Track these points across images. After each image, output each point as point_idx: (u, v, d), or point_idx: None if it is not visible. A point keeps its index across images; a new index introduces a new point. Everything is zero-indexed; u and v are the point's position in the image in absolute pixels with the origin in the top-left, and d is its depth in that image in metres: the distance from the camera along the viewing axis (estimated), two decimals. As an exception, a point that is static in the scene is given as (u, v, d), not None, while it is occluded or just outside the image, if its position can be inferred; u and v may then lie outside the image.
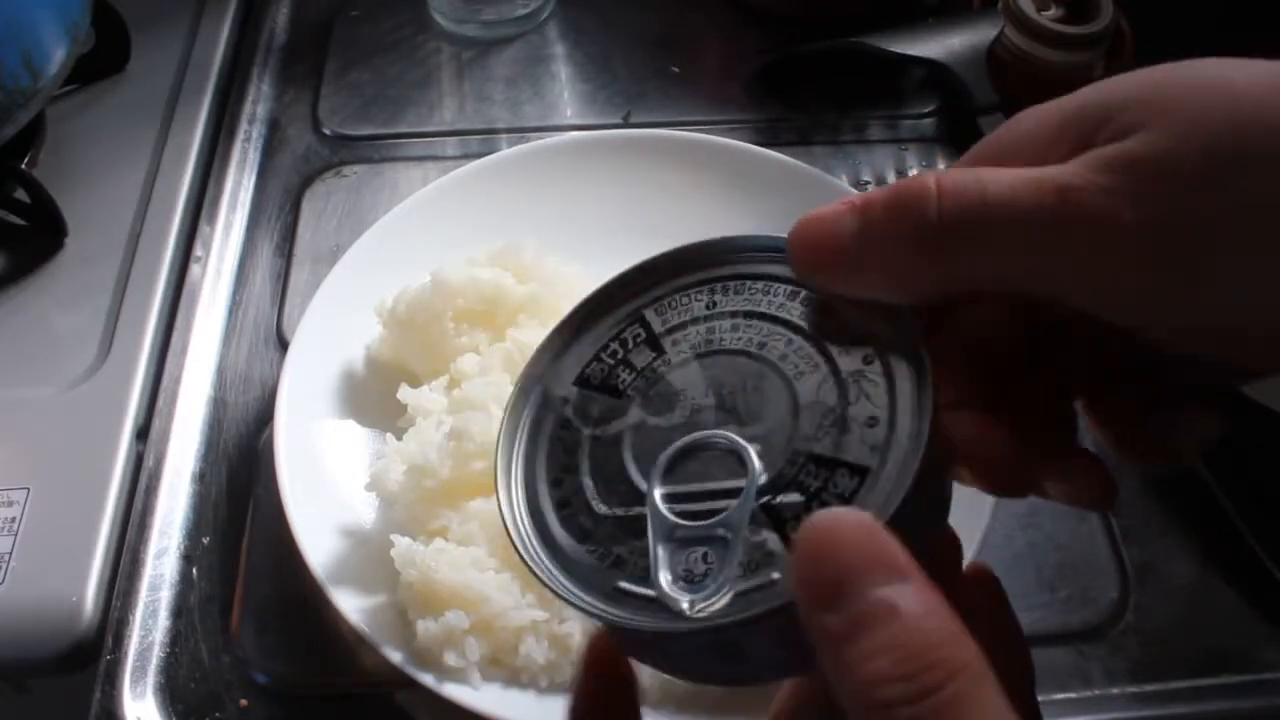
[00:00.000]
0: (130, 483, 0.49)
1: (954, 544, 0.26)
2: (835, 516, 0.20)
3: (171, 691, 0.44)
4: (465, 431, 0.44)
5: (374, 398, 0.50)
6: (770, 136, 0.64)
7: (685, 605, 0.22)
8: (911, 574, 0.19)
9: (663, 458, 0.24)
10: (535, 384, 0.27)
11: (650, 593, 0.22)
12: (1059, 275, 0.22)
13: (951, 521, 0.25)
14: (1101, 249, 0.21)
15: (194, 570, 0.47)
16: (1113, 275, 0.22)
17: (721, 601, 0.21)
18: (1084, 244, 0.22)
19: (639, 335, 0.27)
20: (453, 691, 0.40)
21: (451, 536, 0.44)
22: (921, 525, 0.23)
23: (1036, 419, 0.26)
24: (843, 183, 0.57)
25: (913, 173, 0.64)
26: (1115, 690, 0.44)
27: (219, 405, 0.53)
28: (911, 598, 0.19)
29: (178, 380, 0.53)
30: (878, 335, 0.24)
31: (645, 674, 0.41)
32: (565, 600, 0.23)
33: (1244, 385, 0.26)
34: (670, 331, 0.27)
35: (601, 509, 0.24)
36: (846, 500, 0.22)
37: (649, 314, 0.28)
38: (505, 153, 0.58)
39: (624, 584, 0.23)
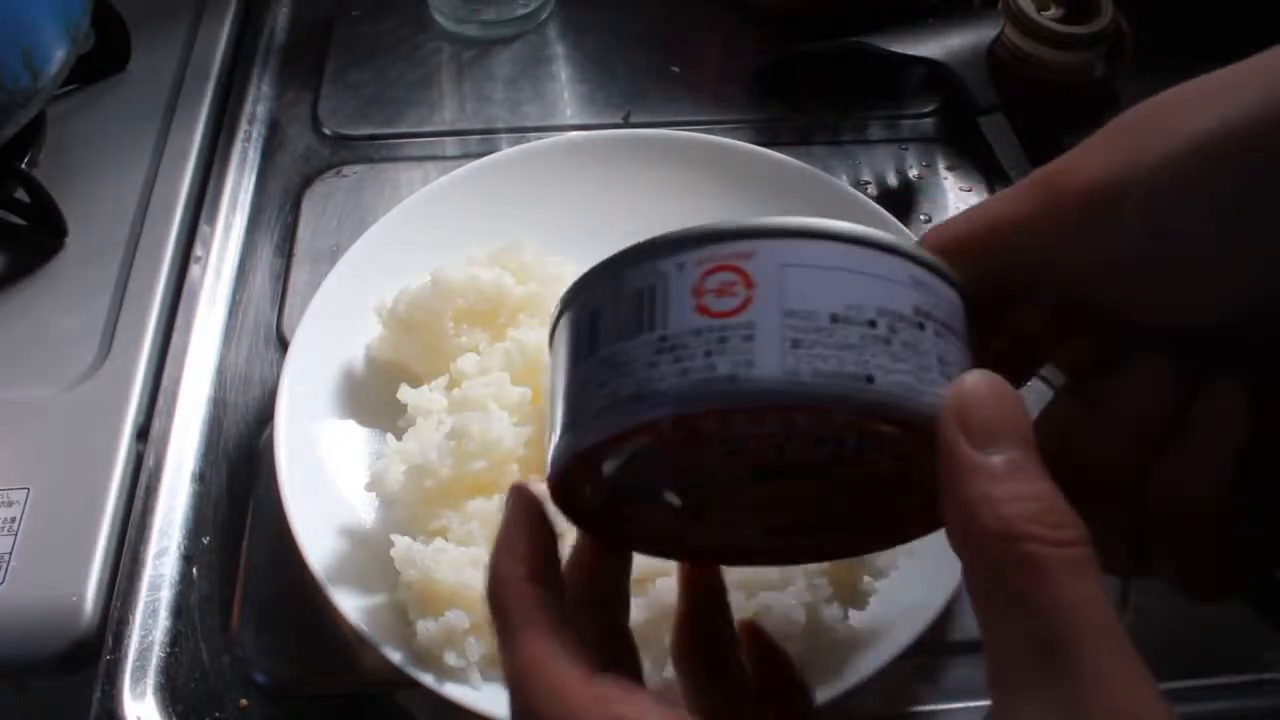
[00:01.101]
0: (130, 483, 0.49)
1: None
2: (1001, 382, 0.21)
3: (171, 691, 0.44)
4: (465, 431, 0.44)
5: (374, 398, 0.50)
6: (770, 136, 0.64)
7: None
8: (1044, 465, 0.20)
9: None
10: None
11: None
12: (1056, 257, 0.24)
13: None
14: (1089, 214, 0.23)
15: (194, 570, 0.47)
16: (1101, 236, 0.23)
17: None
18: (1073, 213, 0.23)
19: None
20: (453, 691, 0.40)
21: (451, 536, 0.44)
22: None
23: None
24: (843, 182, 0.58)
25: (913, 173, 0.64)
26: (1115, 690, 0.44)
27: (219, 405, 0.53)
28: (1048, 477, 0.20)
29: (178, 380, 0.53)
30: None
31: (644, 668, 0.41)
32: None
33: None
34: None
35: None
36: None
37: None
38: (505, 153, 0.58)
39: None
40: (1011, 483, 0.20)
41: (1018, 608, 0.19)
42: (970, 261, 0.24)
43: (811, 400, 0.20)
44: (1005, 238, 0.24)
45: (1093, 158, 0.23)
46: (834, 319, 0.21)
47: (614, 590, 0.28)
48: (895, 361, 0.21)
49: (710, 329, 0.21)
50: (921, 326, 0.21)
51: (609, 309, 0.23)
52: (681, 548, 0.28)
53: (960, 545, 0.20)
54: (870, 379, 0.21)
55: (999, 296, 0.25)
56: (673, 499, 0.25)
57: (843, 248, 0.22)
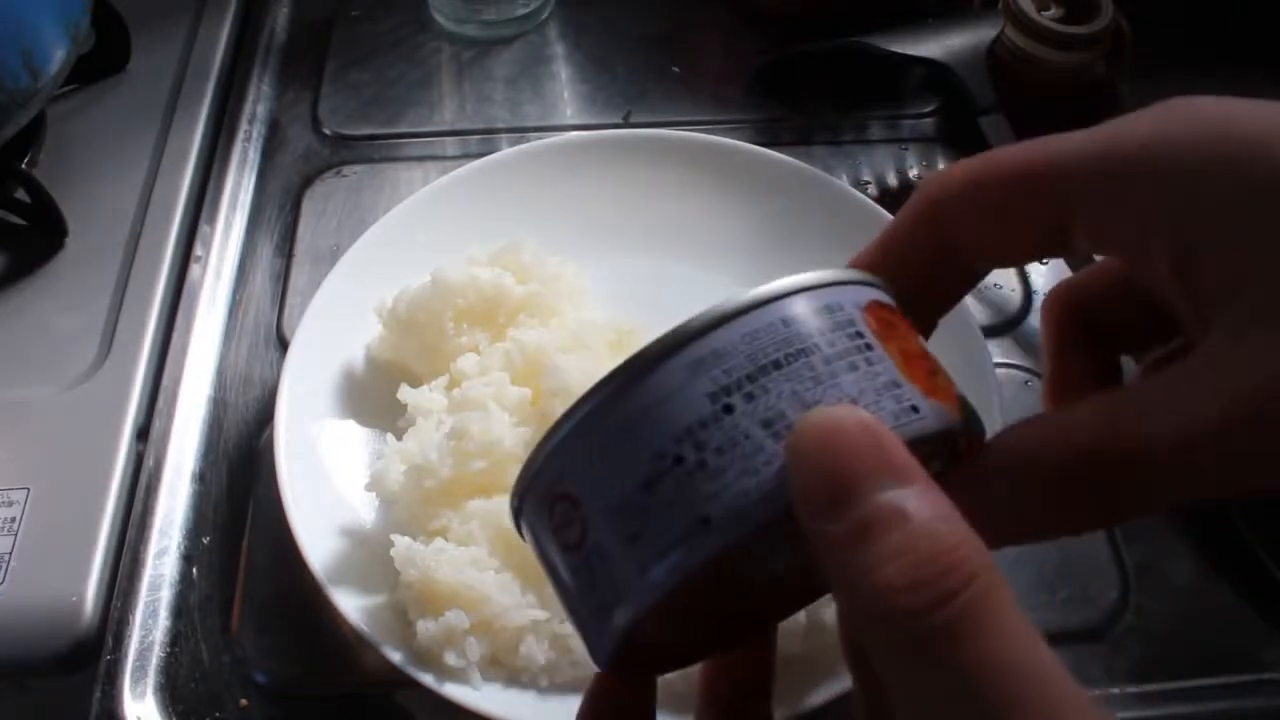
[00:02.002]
0: (130, 483, 0.49)
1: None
2: (835, 414, 0.19)
3: (171, 691, 0.44)
4: (465, 431, 0.44)
5: (374, 398, 0.50)
6: (770, 136, 0.64)
7: None
8: (917, 477, 0.18)
9: None
10: None
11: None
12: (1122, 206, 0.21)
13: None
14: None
15: (194, 570, 0.47)
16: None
17: None
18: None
19: None
20: (453, 691, 0.40)
21: (451, 536, 0.44)
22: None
23: None
24: (843, 182, 0.58)
25: (913, 173, 0.64)
26: (1115, 690, 0.44)
27: (219, 405, 0.53)
28: (919, 500, 0.18)
29: (178, 380, 0.53)
30: None
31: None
32: None
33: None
34: None
35: None
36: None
37: None
38: (505, 153, 0.58)
39: None
40: (869, 546, 0.17)
41: (928, 696, 0.17)
42: (1026, 194, 0.22)
43: (680, 585, 0.20)
44: (1070, 175, 0.22)
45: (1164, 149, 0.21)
46: (647, 487, 0.20)
47: None
48: (718, 477, 0.19)
49: (580, 570, 0.21)
50: (729, 409, 0.20)
51: (535, 551, 0.23)
52: (715, 645, 0.28)
53: (853, 629, 0.18)
54: (706, 520, 0.19)
55: (1041, 246, 0.23)
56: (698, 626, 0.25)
57: (612, 413, 0.20)
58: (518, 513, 0.23)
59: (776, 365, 0.20)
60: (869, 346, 0.21)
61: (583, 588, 0.21)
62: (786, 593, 0.26)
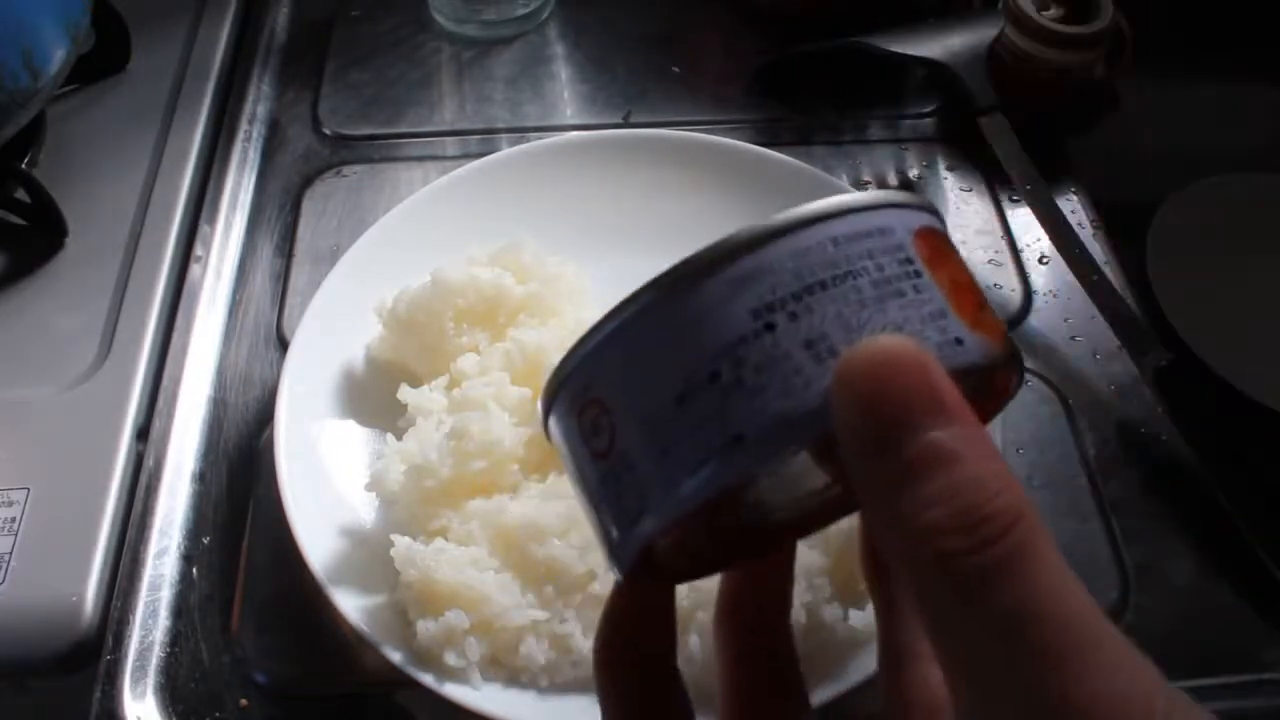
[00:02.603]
0: (130, 483, 0.49)
1: None
2: (888, 346, 0.18)
3: (171, 691, 0.44)
4: (465, 431, 0.44)
5: (374, 398, 0.50)
6: (770, 136, 0.64)
7: None
8: (967, 416, 0.18)
9: None
10: None
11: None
12: None
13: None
14: None
15: (194, 570, 0.47)
16: None
17: None
18: None
19: None
20: (453, 691, 0.40)
21: (451, 536, 0.44)
22: None
23: None
24: (843, 183, 0.58)
25: (913, 173, 0.64)
26: (1115, 690, 0.44)
27: (219, 405, 0.53)
28: (969, 442, 0.17)
29: (178, 380, 0.53)
30: None
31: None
32: None
33: None
34: None
35: None
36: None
37: None
38: (505, 153, 0.58)
39: None
40: (913, 486, 0.17)
41: (971, 636, 0.17)
42: None
43: (708, 501, 0.19)
44: None
45: None
46: (680, 401, 0.19)
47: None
48: (756, 396, 0.19)
49: (606, 477, 0.20)
50: (771, 328, 0.19)
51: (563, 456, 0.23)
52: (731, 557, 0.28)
53: (892, 564, 0.18)
54: (740, 439, 0.19)
55: None
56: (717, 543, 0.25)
57: (650, 323, 0.20)
58: (546, 414, 0.22)
59: (823, 285, 0.19)
60: (918, 274, 0.20)
61: (609, 496, 0.21)
62: (815, 510, 0.26)
